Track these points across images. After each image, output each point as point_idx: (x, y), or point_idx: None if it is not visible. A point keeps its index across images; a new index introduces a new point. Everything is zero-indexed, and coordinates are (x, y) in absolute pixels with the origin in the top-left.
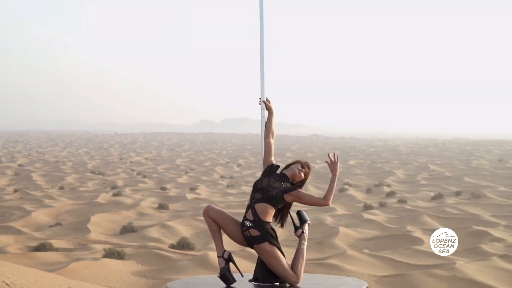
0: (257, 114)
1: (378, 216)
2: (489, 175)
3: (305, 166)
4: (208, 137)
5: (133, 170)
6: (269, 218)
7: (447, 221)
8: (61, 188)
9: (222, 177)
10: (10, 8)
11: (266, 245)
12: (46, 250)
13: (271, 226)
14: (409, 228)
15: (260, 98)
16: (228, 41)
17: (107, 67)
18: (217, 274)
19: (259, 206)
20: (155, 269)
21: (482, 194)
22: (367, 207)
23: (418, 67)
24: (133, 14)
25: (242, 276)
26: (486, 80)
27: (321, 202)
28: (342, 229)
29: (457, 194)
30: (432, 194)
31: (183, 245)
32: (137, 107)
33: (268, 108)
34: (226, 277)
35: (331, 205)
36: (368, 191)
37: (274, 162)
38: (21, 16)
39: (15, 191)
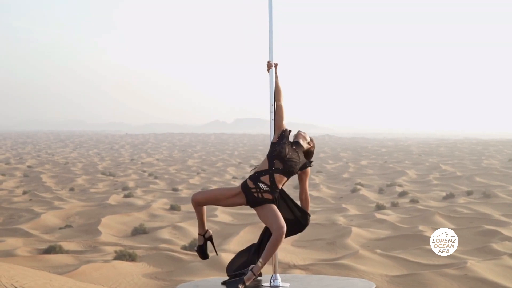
0: (268, 115)
1: (390, 216)
2: (499, 175)
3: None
4: (219, 137)
5: (144, 171)
6: (282, 185)
7: (458, 221)
8: (71, 189)
9: (234, 177)
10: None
11: (272, 206)
12: (55, 253)
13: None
14: (420, 228)
15: (268, 61)
16: (240, 41)
17: (113, 67)
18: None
19: (277, 176)
20: (167, 271)
21: (493, 193)
22: (379, 207)
23: (428, 66)
24: (140, 13)
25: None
26: (495, 80)
27: (306, 192)
28: (354, 229)
29: (468, 193)
30: (444, 194)
31: (195, 246)
32: (146, 107)
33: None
34: (201, 249)
35: (343, 205)
36: (380, 191)
37: (286, 127)
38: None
39: (24, 193)
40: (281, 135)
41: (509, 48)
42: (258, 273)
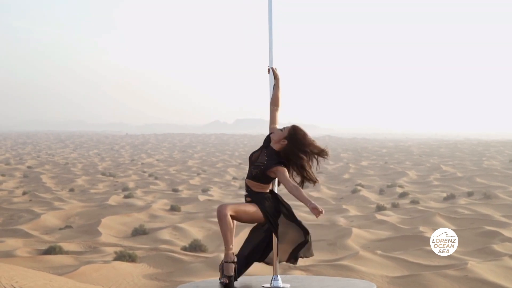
0: (269, 115)
1: (391, 217)
2: (500, 176)
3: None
4: (220, 138)
5: (144, 172)
6: (261, 189)
7: (459, 222)
8: (71, 190)
9: (234, 178)
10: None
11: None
12: (55, 253)
13: (266, 195)
14: (421, 228)
15: (268, 66)
16: (240, 41)
17: (113, 67)
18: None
19: (249, 182)
20: (167, 271)
21: (494, 194)
22: (379, 208)
23: (429, 66)
24: (140, 13)
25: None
26: (496, 80)
27: (289, 187)
28: (354, 230)
29: (469, 194)
30: (444, 194)
31: (195, 247)
32: (146, 108)
33: (275, 75)
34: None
35: (343, 206)
36: (381, 192)
37: (272, 131)
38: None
39: (24, 193)
40: (264, 140)
41: (510, 48)
42: (231, 259)
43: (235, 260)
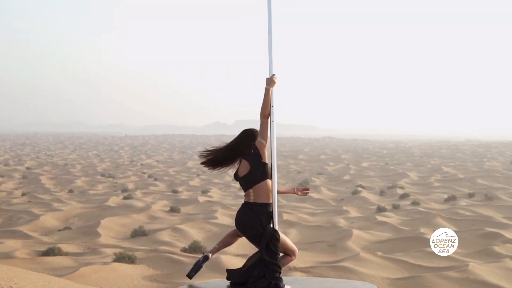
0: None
1: (391, 218)
2: (501, 177)
3: None
4: (220, 139)
5: (144, 173)
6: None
7: (460, 223)
8: (70, 191)
9: (234, 179)
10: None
11: None
12: (54, 255)
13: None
14: (422, 230)
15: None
16: (240, 41)
17: (113, 67)
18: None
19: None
20: (167, 273)
21: (495, 196)
22: (380, 210)
23: (429, 67)
24: (140, 13)
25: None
26: (497, 81)
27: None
28: (355, 232)
29: (470, 196)
30: (445, 196)
31: (195, 248)
32: (146, 108)
33: (269, 80)
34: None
35: (344, 208)
36: (381, 193)
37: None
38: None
39: (23, 194)
40: None
41: (511, 48)
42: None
43: (201, 258)
